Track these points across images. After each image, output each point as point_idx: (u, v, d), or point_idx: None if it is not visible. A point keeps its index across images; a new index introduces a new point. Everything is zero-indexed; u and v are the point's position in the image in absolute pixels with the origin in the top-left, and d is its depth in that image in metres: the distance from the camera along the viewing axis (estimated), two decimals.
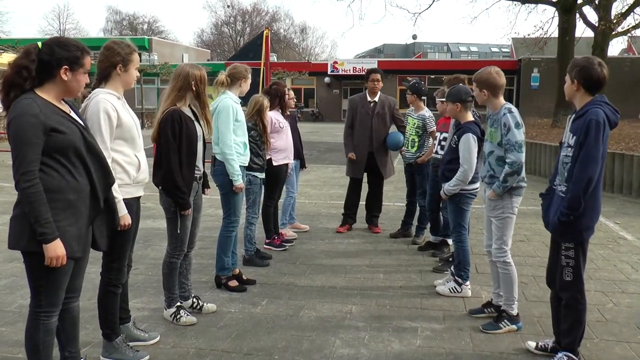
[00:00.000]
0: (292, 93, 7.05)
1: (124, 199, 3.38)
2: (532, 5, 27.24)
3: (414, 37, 67.17)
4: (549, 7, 22.94)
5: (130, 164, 3.47)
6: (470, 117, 4.85)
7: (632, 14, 25.01)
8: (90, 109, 3.35)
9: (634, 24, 25.33)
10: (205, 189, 4.41)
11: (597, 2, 23.91)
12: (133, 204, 3.51)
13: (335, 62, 39.89)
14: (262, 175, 5.76)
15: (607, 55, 24.45)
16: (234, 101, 4.86)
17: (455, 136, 4.84)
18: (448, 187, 4.80)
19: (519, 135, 4.00)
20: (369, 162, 7.25)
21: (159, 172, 3.99)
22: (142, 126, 30.26)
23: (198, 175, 4.17)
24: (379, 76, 7.19)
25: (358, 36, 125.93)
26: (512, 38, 41.04)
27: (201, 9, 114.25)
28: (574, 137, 3.33)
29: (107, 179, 3.03)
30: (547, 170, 12.47)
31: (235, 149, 4.82)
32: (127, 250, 3.57)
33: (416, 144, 6.78)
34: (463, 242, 4.95)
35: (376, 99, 7.25)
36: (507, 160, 4.00)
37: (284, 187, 6.85)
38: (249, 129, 5.51)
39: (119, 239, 3.42)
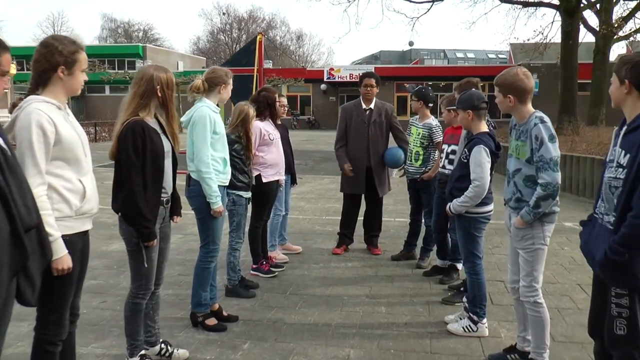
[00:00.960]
0: (284, 100, 6.38)
1: (64, 236, 2.69)
2: (532, 10, 26.80)
3: (411, 43, 66.87)
4: (549, 12, 22.76)
5: (72, 192, 2.78)
6: (484, 127, 4.17)
7: (633, 18, 24.60)
8: (20, 121, 2.67)
9: (635, 28, 24.90)
10: (175, 217, 3.71)
11: (598, 6, 23.48)
12: (77, 242, 2.82)
13: (332, 69, 39.33)
14: (248, 195, 5.08)
15: (609, 60, 24.06)
16: (212, 110, 4.18)
17: (465, 149, 4.16)
18: (456, 204, 4.12)
19: (554, 150, 3.32)
20: (366, 177, 6.58)
21: (119, 196, 3.30)
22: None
23: (165, 199, 3.48)
24: (373, 81, 6.52)
25: (354, 43, 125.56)
26: (510, 44, 40.53)
27: (197, 17, 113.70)
28: (627, 156, 2.64)
29: (32, 214, 2.34)
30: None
31: (214, 167, 4.14)
32: (67, 300, 2.85)
33: (421, 157, 6.10)
34: (478, 273, 4.25)
35: (372, 106, 6.57)
36: (540, 181, 3.32)
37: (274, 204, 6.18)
38: (232, 142, 4.84)
39: (57, 285, 2.73)
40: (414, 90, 6.22)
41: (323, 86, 40.01)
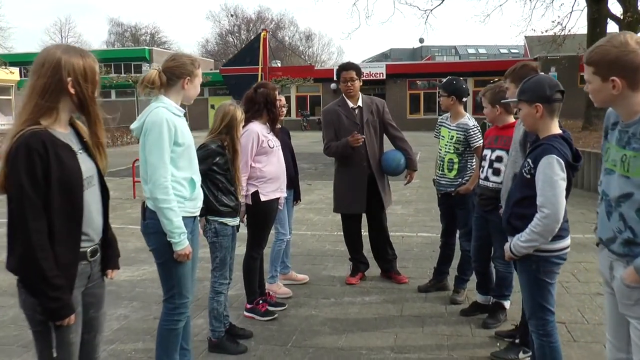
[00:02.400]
0: (283, 99, 5.21)
1: None
2: (550, 0, 25.47)
3: (421, 40, 65.55)
4: (567, 1, 21.26)
5: None
6: (555, 127, 2.96)
7: None
8: None
9: None
10: (110, 271, 2.53)
11: None
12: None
13: None
14: (235, 222, 3.93)
15: None
16: (171, 113, 3.03)
17: (528, 160, 2.95)
18: (518, 244, 2.92)
19: None
20: (368, 189, 5.40)
21: (16, 249, 2.14)
22: (138, 141, 28.75)
23: (90, 249, 2.32)
24: (353, 73, 5.31)
25: (364, 41, 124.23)
26: (525, 36, 39.13)
27: (205, 20, 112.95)
28: None
29: None
30: (592, 182, 10.58)
31: (176, 191, 2.99)
32: None
33: (455, 166, 4.90)
34: (550, 334, 3.03)
35: (360, 103, 5.39)
36: None
37: (274, 228, 5.03)
38: (214, 154, 3.71)
39: None
40: (442, 83, 5.01)
41: (333, 85, 38.64)
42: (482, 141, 4.83)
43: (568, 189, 2.85)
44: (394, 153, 5.33)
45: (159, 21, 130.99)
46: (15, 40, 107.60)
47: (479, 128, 4.92)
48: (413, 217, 8.67)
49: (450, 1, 35.68)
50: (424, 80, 39.46)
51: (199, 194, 3.20)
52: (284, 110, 5.18)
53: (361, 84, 5.40)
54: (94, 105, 2.24)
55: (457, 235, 5.08)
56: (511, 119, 4.18)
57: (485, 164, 4.20)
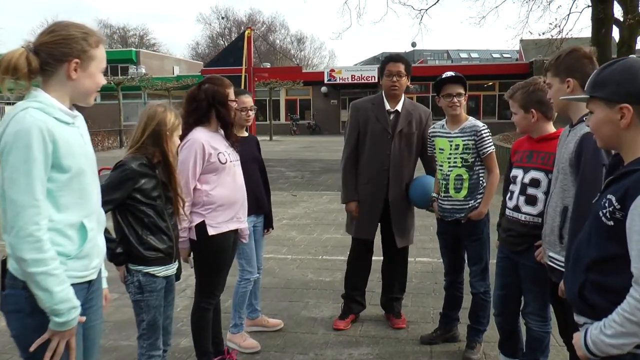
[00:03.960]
0: (248, 99, 4.10)
1: None
2: (547, 2, 24.59)
3: (414, 44, 64.68)
4: (564, 3, 20.47)
5: None
6: None
7: None
8: None
9: None
10: None
11: None
12: None
13: (333, 70, 37.08)
14: (169, 270, 2.83)
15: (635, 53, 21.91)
16: (53, 118, 1.92)
17: (610, 198, 1.82)
18: (603, 340, 1.75)
19: None
20: (383, 215, 4.33)
21: None
22: (121, 145, 27.38)
23: None
24: (401, 67, 4.22)
25: (356, 45, 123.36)
26: (521, 40, 38.40)
27: (196, 22, 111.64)
28: None
29: None
30: None
31: (55, 245, 1.89)
32: None
33: (465, 184, 3.80)
34: None
35: (399, 106, 4.30)
36: None
37: (237, 264, 3.94)
38: (136, 176, 2.64)
39: None
40: (451, 77, 3.87)
41: (324, 89, 37.72)
42: (493, 148, 3.79)
43: None
44: (427, 180, 4.21)
45: (149, 23, 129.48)
46: (0, 42, 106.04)
47: (489, 130, 3.87)
48: None
49: (446, 1, 34.60)
50: (416, 84, 38.56)
51: (95, 247, 2.08)
52: (251, 114, 4.08)
53: (409, 82, 4.30)
54: None
55: (470, 274, 3.99)
56: (551, 128, 3.12)
57: (515, 188, 3.12)
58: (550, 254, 2.65)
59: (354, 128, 4.38)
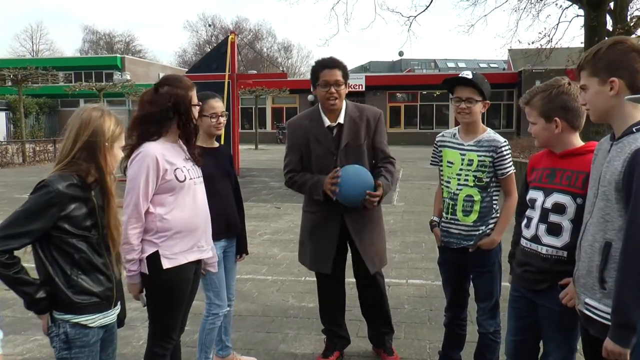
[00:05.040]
0: (218, 105, 3.53)
1: None
2: (539, 8, 24.34)
3: (401, 54, 64.51)
4: (553, 12, 20.21)
5: None
6: None
7: None
8: None
9: None
10: None
11: (612, 5, 21.23)
12: None
13: None
14: (107, 319, 2.27)
15: None
16: None
17: None
18: None
19: None
20: (343, 240, 3.76)
21: None
22: None
23: None
24: (338, 74, 3.56)
25: (343, 55, 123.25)
26: (509, 49, 38.30)
27: (182, 29, 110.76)
28: None
29: None
30: None
31: None
32: None
33: (476, 207, 3.26)
34: None
35: (341, 118, 3.66)
36: None
37: (205, 297, 3.38)
38: (64, 200, 2.12)
39: None
40: (469, 78, 3.21)
41: (310, 97, 37.18)
42: (513, 168, 3.27)
43: None
44: (359, 169, 3.52)
45: (135, 30, 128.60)
46: None
47: (509, 146, 3.33)
48: (400, 255, 7.02)
49: (435, 8, 34.28)
50: (403, 93, 38.25)
51: None
52: (222, 121, 3.53)
53: (347, 90, 3.66)
54: None
55: (478, 311, 3.44)
56: (577, 140, 2.59)
57: (534, 214, 2.58)
58: (588, 300, 2.11)
59: (293, 149, 3.77)
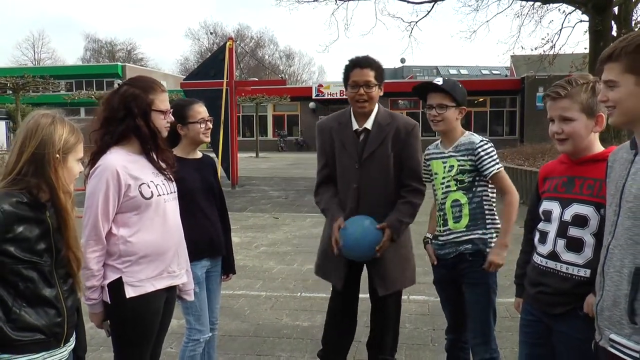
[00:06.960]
0: (202, 109, 3.23)
1: None
2: (539, 17, 24.12)
3: (402, 60, 64.55)
4: (557, 18, 20.01)
5: None
6: None
7: None
8: None
9: None
10: None
11: (616, 10, 21.02)
12: None
13: (321, 86, 36.48)
14: (57, 356, 1.95)
15: None
16: None
17: None
18: None
19: None
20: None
21: None
22: None
23: None
24: (370, 74, 3.21)
25: (345, 60, 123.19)
26: (511, 56, 38.12)
27: (184, 37, 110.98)
28: None
29: None
30: None
31: None
32: None
33: (465, 210, 2.99)
34: None
35: (369, 123, 3.33)
36: None
37: (185, 321, 3.07)
38: (15, 219, 1.83)
39: None
40: (440, 84, 2.99)
41: (312, 104, 37.05)
42: (500, 165, 2.97)
43: None
44: (364, 223, 3.19)
45: (137, 38, 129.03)
46: None
47: (492, 144, 3.05)
48: None
49: (436, 14, 34.23)
50: (405, 100, 38.02)
51: None
52: (208, 126, 3.22)
53: (381, 93, 3.32)
54: None
55: (476, 332, 3.13)
56: (599, 145, 2.28)
57: (550, 228, 2.27)
58: (613, 336, 1.80)
59: (321, 153, 3.49)
